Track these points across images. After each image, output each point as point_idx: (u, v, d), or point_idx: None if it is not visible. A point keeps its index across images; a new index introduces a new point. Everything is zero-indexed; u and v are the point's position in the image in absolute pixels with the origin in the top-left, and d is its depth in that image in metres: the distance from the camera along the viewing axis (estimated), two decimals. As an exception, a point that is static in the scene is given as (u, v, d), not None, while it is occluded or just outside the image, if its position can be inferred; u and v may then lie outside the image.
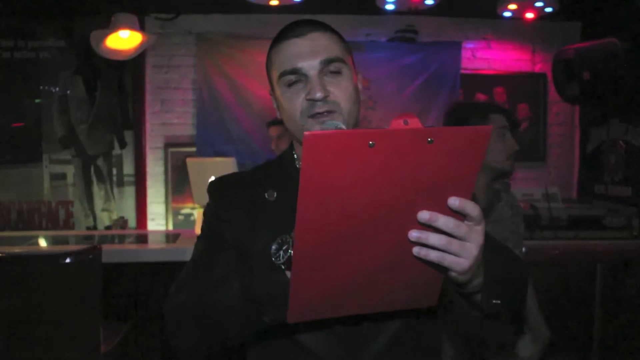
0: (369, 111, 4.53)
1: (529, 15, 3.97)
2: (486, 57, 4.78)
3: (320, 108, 1.02)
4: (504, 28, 4.66)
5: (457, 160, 0.73)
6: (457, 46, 4.63)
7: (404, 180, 0.73)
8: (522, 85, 4.80)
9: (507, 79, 4.79)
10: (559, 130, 4.90)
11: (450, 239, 0.78)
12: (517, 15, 4.00)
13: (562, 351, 2.43)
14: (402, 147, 0.70)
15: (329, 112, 1.03)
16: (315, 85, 1.02)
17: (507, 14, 3.98)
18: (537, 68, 4.81)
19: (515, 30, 4.65)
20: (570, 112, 4.88)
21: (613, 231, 3.34)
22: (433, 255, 0.78)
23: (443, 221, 0.76)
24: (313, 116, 1.02)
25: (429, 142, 0.70)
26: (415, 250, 0.79)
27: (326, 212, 0.73)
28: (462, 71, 4.64)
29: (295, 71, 1.03)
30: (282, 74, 1.05)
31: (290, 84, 1.05)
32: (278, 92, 1.08)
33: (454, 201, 0.76)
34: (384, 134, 0.69)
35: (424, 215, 0.76)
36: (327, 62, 1.03)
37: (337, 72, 1.04)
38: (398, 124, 0.77)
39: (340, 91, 1.04)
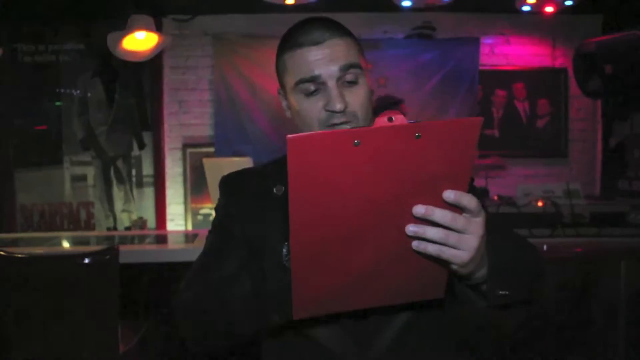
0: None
1: (549, 9, 3.91)
2: (505, 52, 4.72)
3: (338, 119, 1.02)
4: (523, 23, 4.60)
5: (448, 153, 0.72)
6: (475, 42, 4.58)
7: (396, 177, 0.72)
8: (542, 80, 4.75)
9: (527, 74, 4.73)
10: (581, 125, 4.83)
11: (448, 232, 0.77)
12: (536, 10, 3.94)
13: (586, 350, 2.39)
14: (389, 144, 0.69)
15: (346, 122, 1.02)
16: (334, 96, 1.01)
17: (526, 8, 3.92)
18: (558, 63, 4.74)
19: (535, 24, 4.59)
20: (591, 107, 4.81)
21: (637, 228, 3.27)
22: (431, 249, 0.78)
23: (439, 214, 0.76)
24: (330, 127, 1.02)
25: (417, 137, 0.69)
26: (414, 244, 0.78)
27: (318, 213, 0.73)
28: (481, 67, 4.59)
29: (313, 79, 1.02)
30: (300, 82, 1.03)
31: (308, 94, 1.04)
32: (293, 98, 1.07)
33: (449, 194, 0.75)
34: (369, 132, 0.68)
35: (419, 209, 0.75)
36: (346, 68, 1.02)
37: (354, 82, 1.04)
38: (382, 121, 0.77)
39: (357, 101, 1.03)
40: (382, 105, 3.60)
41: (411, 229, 0.77)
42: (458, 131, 0.71)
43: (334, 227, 0.75)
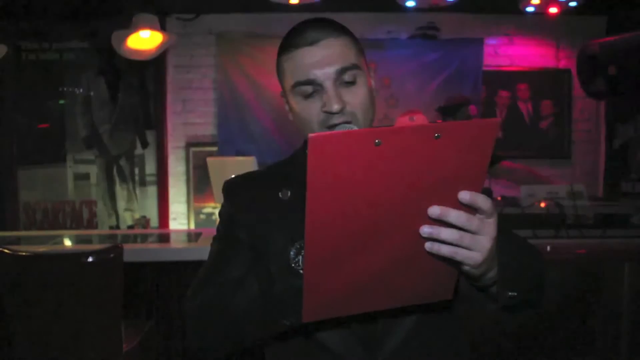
0: (390, 109, 4.50)
1: (553, 10, 3.90)
2: (509, 53, 4.72)
3: (337, 119, 1.01)
4: (526, 24, 4.60)
5: (465, 154, 0.72)
6: (479, 43, 4.58)
7: (413, 177, 0.72)
8: (546, 81, 4.74)
9: (531, 75, 4.73)
10: (584, 126, 4.82)
11: (462, 233, 0.77)
12: (540, 11, 3.93)
13: (590, 350, 2.39)
14: (409, 144, 0.69)
15: (345, 122, 1.02)
16: (331, 97, 1.00)
17: (530, 9, 3.92)
18: (561, 64, 4.73)
19: (539, 25, 4.58)
20: (595, 108, 4.80)
21: (641, 229, 3.27)
22: (445, 250, 0.78)
23: (454, 215, 0.76)
24: (329, 128, 1.02)
25: (436, 137, 0.69)
26: (428, 245, 0.78)
27: (335, 212, 0.73)
28: (485, 68, 4.58)
29: (310, 82, 1.01)
30: (297, 84, 1.03)
31: (306, 96, 1.03)
32: (292, 100, 1.06)
33: (464, 195, 0.75)
34: (390, 132, 0.68)
35: (434, 210, 0.75)
36: (342, 71, 1.01)
37: (353, 82, 1.03)
38: (404, 121, 0.77)
39: (356, 100, 1.02)
40: (452, 104, 3.61)
41: (426, 230, 0.77)
42: (476, 132, 0.71)
43: (349, 227, 0.75)
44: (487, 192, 3.70)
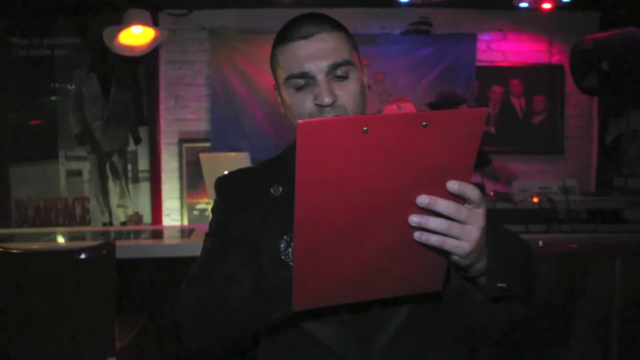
0: (383, 104, 4.50)
1: (546, 5, 3.92)
2: (502, 48, 4.72)
3: (327, 113, 1.02)
4: (520, 19, 4.61)
5: (453, 143, 0.73)
6: (472, 38, 4.58)
7: (401, 165, 0.73)
8: (538, 77, 4.75)
9: (524, 70, 4.74)
10: (577, 122, 4.83)
11: (451, 223, 0.78)
12: (534, 6, 3.95)
13: (581, 347, 2.40)
14: (397, 132, 0.70)
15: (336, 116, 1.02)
16: (323, 90, 1.01)
17: (523, 4, 3.93)
18: (554, 59, 4.74)
19: (532, 21, 4.59)
20: (588, 104, 4.81)
21: (632, 224, 3.28)
22: (434, 240, 0.79)
23: (442, 205, 0.76)
24: None
25: (423, 126, 0.70)
26: (416, 235, 0.79)
27: (324, 200, 0.73)
28: (478, 63, 4.60)
29: (303, 75, 1.03)
30: (289, 77, 1.04)
31: (298, 88, 1.04)
32: (284, 92, 1.07)
33: (452, 184, 0.76)
34: (378, 120, 0.69)
35: (423, 199, 0.76)
36: (335, 66, 1.03)
37: (345, 77, 1.04)
38: (392, 109, 0.77)
39: (348, 95, 1.04)
40: (445, 101, 3.62)
41: (414, 219, 0.77)
42: (464, 121, 0.72)
43: (337, 215, 0.75)
44: (479, 187, 3.71)
